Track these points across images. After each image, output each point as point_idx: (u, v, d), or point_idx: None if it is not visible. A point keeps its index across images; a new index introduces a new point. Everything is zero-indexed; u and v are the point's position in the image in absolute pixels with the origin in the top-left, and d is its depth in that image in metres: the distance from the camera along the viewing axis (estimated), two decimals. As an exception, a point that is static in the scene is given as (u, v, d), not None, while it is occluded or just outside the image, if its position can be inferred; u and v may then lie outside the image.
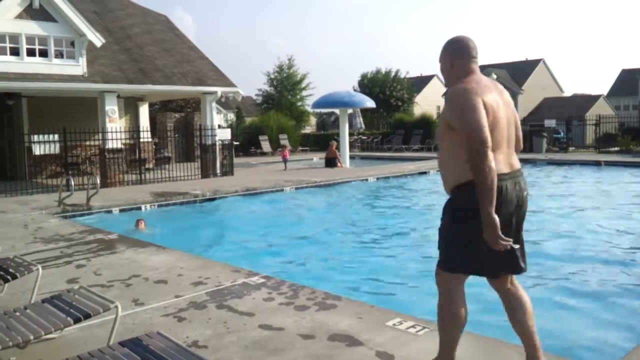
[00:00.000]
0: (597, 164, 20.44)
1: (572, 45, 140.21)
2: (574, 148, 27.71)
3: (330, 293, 5.08)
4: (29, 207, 11.43)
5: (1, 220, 10.08)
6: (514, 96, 52.32)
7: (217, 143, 17.86)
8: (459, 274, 3.13)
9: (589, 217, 10.88)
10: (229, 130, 19.09)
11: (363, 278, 7.02)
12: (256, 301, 4.92)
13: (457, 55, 3.14)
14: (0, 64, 14.29)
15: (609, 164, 20.27)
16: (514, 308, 3.15)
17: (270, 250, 8.72)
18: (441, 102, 61.46)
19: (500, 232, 2.79)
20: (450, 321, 3.16)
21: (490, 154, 2.78)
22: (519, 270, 3.11)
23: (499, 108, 2.99)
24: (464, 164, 2.86)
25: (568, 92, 61.34)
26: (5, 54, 14.52)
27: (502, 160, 2.96)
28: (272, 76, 41.33)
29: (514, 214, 3.01)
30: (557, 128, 29.36)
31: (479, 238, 2.84)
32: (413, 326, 4.19)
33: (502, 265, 3.06)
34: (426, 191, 15.55)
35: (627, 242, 8.75)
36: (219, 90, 18.14)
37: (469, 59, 3.13)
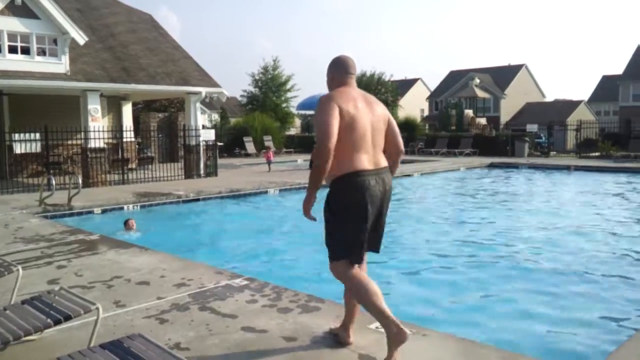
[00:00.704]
0: (567, 168, 20.79)
1: (554, 51, 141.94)
2: (555, 153, 28.04)
3: (313, 295, 5.09)
4: (9, 207, 11.27)
5: (-20, 219, 9.93)
6: (497, 100, 52.83)
7: (201, 144, 17.78)
8: (345, 261, 3.59)
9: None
10: (213, 131, 19.00)
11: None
12: (239, 303, 4.91)
13: (336, 70, 3.73)
14: (-19, 60, 14.10)
15: (579, 168, 20.61)
16: (365, 287, 3.56)
17: (254, 252, 8.70)
18: (425, 106, 61.89)
19: (309, 208, 3.57)
20: (367, 296, 3.51)
21: (330, 151, 3.33)
22: (378, 250, 3.83)
23: (360, 115, 3.50)
24: (336, 162, 3.41)
25: (550, 97, 62.13)
26: (-14, 50, 14.33)
27: (365, 159, 3.50)
28: (257, 77, 41.29)
29: (377, 203, 3.55)
30: (538, 133, 29.70)
31: (353, 228, 3.48)
32: (395, 329, 4.20)
33: (370, 246, 3.70)
34: (410, 195, 15.62)
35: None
36: (203, 90, 18.06)
37: (346, 74, 3.71)
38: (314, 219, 3.58)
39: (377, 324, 4.29)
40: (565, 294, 6.38)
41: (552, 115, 40.45)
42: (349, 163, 3.46)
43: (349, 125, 3.43)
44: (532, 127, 28.86)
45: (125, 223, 9.74)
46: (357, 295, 3.62)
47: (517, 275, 7.17)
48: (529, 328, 5.33)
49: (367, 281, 3.53)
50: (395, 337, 3.45)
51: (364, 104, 3.59)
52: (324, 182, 3.51)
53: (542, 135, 30.06)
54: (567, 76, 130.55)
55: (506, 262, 7.84)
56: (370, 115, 3.58)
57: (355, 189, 3.46)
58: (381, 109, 3.71)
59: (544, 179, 18.59)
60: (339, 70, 3.73)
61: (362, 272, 3.64)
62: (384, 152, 3.70)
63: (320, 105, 3.51)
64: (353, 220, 3.49)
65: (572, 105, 52.94)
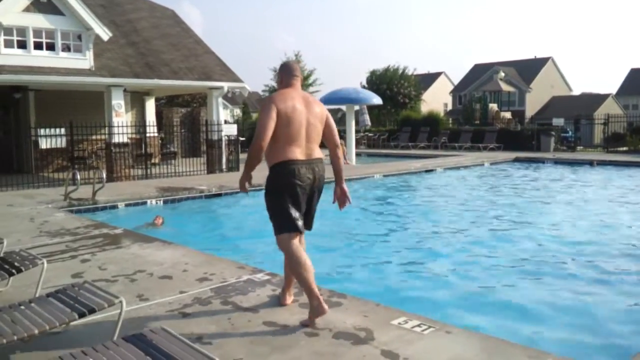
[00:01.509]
0: (590, 163, 20.44)
1: (581, 44, 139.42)
2: (582, 147, 27.56)
3: (335, 291, 5.05)
4: (35, 201, 11.45)
5: (8, 213, 10.10)
6: (522, 94, 52.08)
7: (223, 138, 17.85)
8: (286, 234, 4.19)
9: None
10: (235, 126, 19.08)
11: (368, 276, 7.00)
12: (261, 298, 4.90)
13: (284, 74, 4.38)
14: (8, 57, 14.32)
15: (606, 163, 20.25)
16: (299, 261, 4.16)
17: (275, 247, 8.68)
18: (449, 100, 61.35)
19: (245, 183, 4.45)
20: (304, 270, 4.12)
21: (260, 147, 4.06)
22: (309, 228, 4.48)
23: (297, 114, 4.12)
24: (272, 152, 4.16)
25: (576, 91, 61.08)
26: (12, 47, 14.54)
27: (298, 150, 4.15)
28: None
29: (307, 188, 4.22)
30: (565, 127, 29.21)
31: (287, 204, 4.15)
32: (419, 325, 4.16)
33: (305, 225, 4.37)
34: (433, 189, 15.49)
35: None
36: (225, 85, 18.11)
37: (291, 76, 4.33)
38: (247, 191, 4.54)
39: (400, 319, 4.27)
40: (596, 291, 6.25)
41: (578, 109, 39.77)
42: (283, 153, 4.12)
43: (285, 122, 4.07)
44: (558, 121, 28.37)
45: (154, 219, 9.81)
46: (292, 267, 4.23)
47: (549, 272, 7.05)
48: (557, 325, 5.23)
49: (302, 257, 4.15)
50: (315, 309, 4.11)
51: (303, 104, 4.19)
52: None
53: (568, 129, 29.56)
54: (594, 69, 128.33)
55: (537, 259, 7.71)
56: (307, 114, 4.18)
57: (287, 174, 4.13)
58: (319, 109, 4.30)
59: (571, 174, 18.27)
60: (286, 74, 4.36)
61: (301, 248, 4.28)
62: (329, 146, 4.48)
63: (263, 106, 4.20)
64: (285, 200, 4.16)
65: (599, 98, 51.98)
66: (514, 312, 5.58)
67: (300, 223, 4.24)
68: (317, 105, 4.32)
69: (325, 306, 4.09)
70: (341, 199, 4.56)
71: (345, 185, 4.57)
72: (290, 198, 4.17)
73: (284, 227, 4.21)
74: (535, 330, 5.05)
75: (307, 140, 4.20)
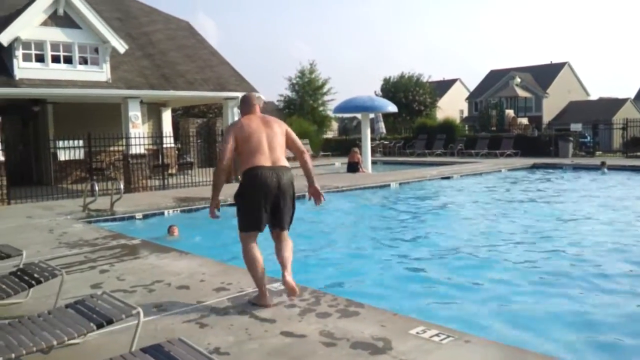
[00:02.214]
0: (600, 166, 20.13)
1: (598, 48, 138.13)
2: (601, 152, 27.23)
3: (352, 300, 5.02)
4: (54, 212, 11.57)
5: (27, 225, 10.23)
6: (539, 100, 51.66)
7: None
8: (248, 232, 4.90)
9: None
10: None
11: (386, 285, 6.95)
12: (278, 308, 4.89)
13: (243, 106, 5.20)
14: (26, 70, 14.56)
15: (626, 168, 19.95)
16: (281, 247, 5.00)
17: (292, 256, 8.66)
18: (464, 106, 61.08)
19: (214, 208, 5.15)
20: (252, 265, 4.86)
21: (220, 170, 4.95)
22: (283, 228, 4.99)
23: (254, 131, 4.90)
24: (240, 163, 4.94)
25: (594, 96, 60.33)
26: (30, 60, 14.78)
27: (262, 158, 4.83)
28: (294, 81, 41.47)
29: (272, 192, 4.82)
30: (583, 132, 28.89)
31: (251, 206, 4.85)
32: (437, 334, 4.11)
33: (275, 225, 4.98)
34: (450, 196, 15.39)
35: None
36: (240, 95, 18.14)
37: (249, 106, 5.14)
38: (218, 217, 5.12)
39: (418, 328, 4.23)
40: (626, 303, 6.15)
41: (597, 114, 39.34)
42: (249, 162, 4.83)
43: (245, 140, 4.87)
44: (576, 127, 28.08)
45: (169, 229, 9.84)
46: (245, 260, 4.92)
47: (570, 282, 6.94)
48: (581, 334, 5.14)
49: (256, 255, 4.86)
50: (258, 300, 4.95)
51: (261, 123, 4.99)
52: None
53: (587, 134, 29.25)
54: (612, 73, 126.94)
55: (560, 268, 7.61)
56: (265, 129, 4.95)
57: (253, 178, 4.79)
58: (277, 125, 5.08)
59: (591, 180, 18.05)
60: (245, 105, 5.18)
61: (255, 246, 4.94)
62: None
63: (225, 133, 5.19)
64: (250, 202, 4.84)
65: (617, 103, 51.34)
66: (534, 321, 5.50)
67: (261, 223, 4.87)
68: (276, 122, 5.12)
69: (269, 301, 4.90)
70: (315, 195, 5.26)
71: (317, 185, 5.28)
72: (256, 200, 4.80)
73: (245, 226, 4.91)
74: (559, 341, 4.97)
75: (270, 150, 4.89)
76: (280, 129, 5.05)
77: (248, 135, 4.88)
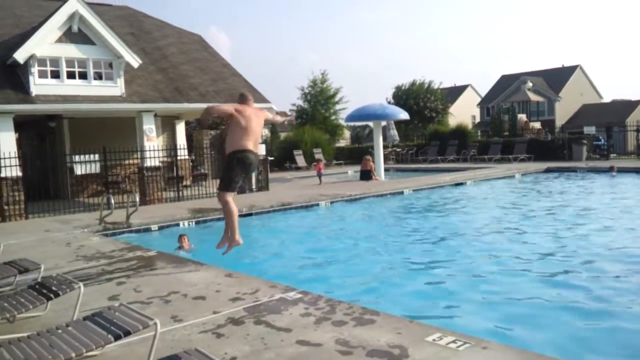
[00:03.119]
0: (609, 169, 20.05)
1: (609, 50, 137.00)
2: (615, 155, 26.98)
3: (367, 308, 5.02)
4: (71, 226, 11.70)
5: (45, 239, 10.35)
6: (551, 103, 51.30)
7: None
8: (229, 192, 6.73)
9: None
10: (263, 146, 19.22)
11: (401, 292, 6.94)
12: (293, 317, 4.90)
13: (240, 99, 7.00)
14: (42, 87, 14.77)
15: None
16: (232, 210, 6.79)
17: (307, 265, 8.70)
18: (476, 112, 60.86)
19: (205, 118, 7.09)
20: (232, 215, 6.78)
21: (212, 111, 6.78)
22: (244, 191, 7.69)
23: (250, 117, 6.63)
24: (232, 142, 6.66)
25: (607, 98, 59.81)
26: (46, 77, 15.00)
27: (250, 143, 6.61)
28: (306, 91, 41.61)
29: (251, 169, 6.86)
30: (597, 135, 28.67)
31: (236, 179, 6.69)
32: (454, 341, 4.10)
33: (240, 191, 6.82)
34: (464, 202, 15.33)
35: None
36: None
37: (246, 100, 6.98)
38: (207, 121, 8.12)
39: (435, 335, 4.22)
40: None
41: (610, 116, 39.01)
42: (241, 144, 6.57)
43: (241, 119, 6.56)
44: (589, 130, 27.87)
45: (180, 240, 9.80)
46: (227, 213, 6.79)
47: (586, 286, 6.89)
48: (599, 340, 5.10)
49: (234, 207, 6.80)
50: (228, 240, 6.88)
51: (254, 114, 6.74)
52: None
53: (600, 137, 29.01)
54: (624, 75, 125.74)
55: (576, 272, 7.55)
56: (255, 118, 6.71)
57: (244, 159, 6.58)
58: (262, 115, 7.00)
59: (608, 182, 17.89)
60: (242, 99, 6.99)
61: (233, 201, 6.77)
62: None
63: (239, 104, 6.87)
64: (237, 174, 6.65)
65: (631, 105, 50.85)
66: (552, 328, 5.46)
67: (238, 187, 6.84)
68: (261, 112, 7.12)
69: (240, 241, 6.93)
70: (280, 115, 7.32)
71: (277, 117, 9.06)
72: (239, 173, 6.66)
73: (228, 188, 6.71)
74: (581, 345, 4.94)
75: (254, 136, 6.68)
76: (262, 118, 6.94)
77: (246, 118, 6.58)
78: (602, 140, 28.54)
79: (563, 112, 52.53)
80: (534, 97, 36.41)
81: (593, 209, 12.86)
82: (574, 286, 6.81)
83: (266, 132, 42.26)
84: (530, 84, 39.64)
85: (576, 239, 9.67)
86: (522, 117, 32.67)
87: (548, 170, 21.69)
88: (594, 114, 48.06)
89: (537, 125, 32.42)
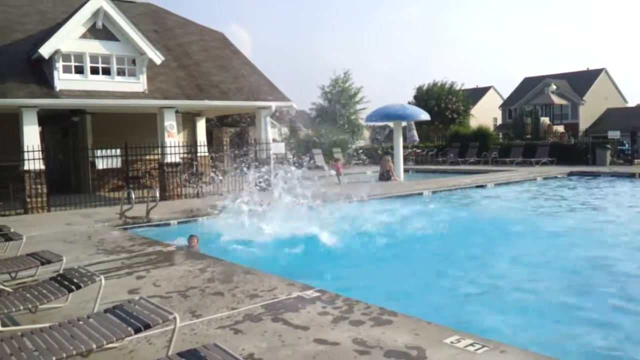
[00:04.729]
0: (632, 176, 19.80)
1: (636, 54, 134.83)
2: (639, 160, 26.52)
3: (385, 308, 5.00)
4: (92, 220, 11.84)
5: (66, 232, 10.48)
6: (575, 107, 50.63)
7: (272, 157, 18.05)
8: None
9: None
10: (283, 144, 19.27)
11: (419, 294, 6.90)
12: (311, 315, 4.90)
13: None
14: (66, 82, 14.96)
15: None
16: None
17: (325, 264, 8.68)
18: (498, 114, 60.30)
19: None
20: None
21: None
22: None
23: None
24: None
25: (632, 102, 58.84)
26: (70, 72, 15.19)
27: None
28: (327, 90, 41.60)
29: None
30: (621, 139, 28.21)
31: None
32: (472, 344, 4.06)
33: None
34: (484, 205, 15.19)
35: None
36: (273, 104, 18.36)
37: None
38: None
39: (452, 338, 4.18)
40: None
41: (635, 121, 38.36)
42: None
43: None
44: (613, 134, 27.42)
45: (189, 241, 9.75)
46: None
47: (607, 293, 6.79)
48: (618, 346, 5.02)
49: None
50: None
51: None
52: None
53: (625, 142, 28.54)
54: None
55: (598, 279, 7.44)
56: None
57: None
58: None
59: (633, 188, 17.58)
60: None
61: None
62: None
63: None
64: None
65: (657, 109, 50.01)
66: (576, 336, 5.39)
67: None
68: None
69: None
70: None
71: None
72: None
73: None
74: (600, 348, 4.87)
75: None
76: None
77: None
78: (627, 145, 28.09)
79: (587, 115, 51.80)
80: (557, 100, 35.98)
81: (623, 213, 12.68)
82: (602, 295, 6.70)
83: (285, 130, 42.41)
84: (554, 87, 39.19)
85: (619, 248, 9.48)
86: (545, 120, 32.29)
87: (571, 174, 21.37)
88: (619, 118, 47.30)
89: (560, 128, 32.01)
